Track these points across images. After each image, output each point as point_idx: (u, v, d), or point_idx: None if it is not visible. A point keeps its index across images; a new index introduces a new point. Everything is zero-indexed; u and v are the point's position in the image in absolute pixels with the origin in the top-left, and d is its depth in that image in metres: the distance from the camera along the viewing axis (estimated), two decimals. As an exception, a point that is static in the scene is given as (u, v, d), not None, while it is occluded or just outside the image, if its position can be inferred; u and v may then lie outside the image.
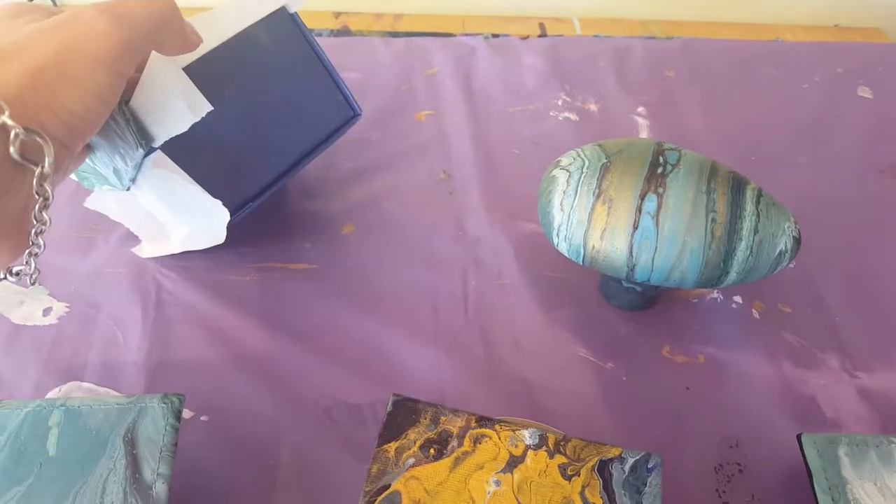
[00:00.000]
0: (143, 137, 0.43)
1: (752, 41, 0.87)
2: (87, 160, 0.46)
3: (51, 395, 0.50)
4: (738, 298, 0.58)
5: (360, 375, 0.52)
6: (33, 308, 0.55)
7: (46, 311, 0.55)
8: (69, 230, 0.61)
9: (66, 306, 0.55)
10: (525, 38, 0.84)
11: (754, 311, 0.58)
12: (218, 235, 0.51)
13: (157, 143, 0.44)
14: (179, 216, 0.52)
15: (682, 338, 0.56)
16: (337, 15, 0.91)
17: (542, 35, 0.87)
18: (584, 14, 0.92)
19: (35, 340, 0.53)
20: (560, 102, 0.74)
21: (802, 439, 0.46)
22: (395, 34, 0.86)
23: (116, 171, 0.47)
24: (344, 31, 0.88)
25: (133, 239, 0.60)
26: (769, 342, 0.56)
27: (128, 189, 0.49)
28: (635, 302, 0.57)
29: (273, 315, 0.55)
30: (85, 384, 0.51)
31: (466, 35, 0.85)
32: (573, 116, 0.72)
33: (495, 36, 0.85)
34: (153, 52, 0.41)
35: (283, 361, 0.53)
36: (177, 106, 0.42)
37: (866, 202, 0.67)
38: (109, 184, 0.49)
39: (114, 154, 0.45)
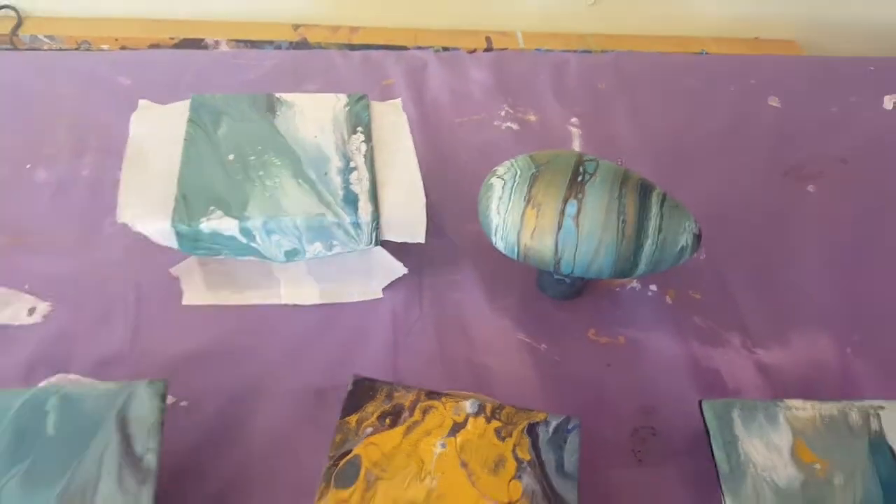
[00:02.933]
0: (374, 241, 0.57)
1: (676, 54, 0.96)
2: (238, 237, 0.55)
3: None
4: (653, 287, 0.67)
5: (324, 362, 0.58)
6: (18, 308, 0.60)
7: (31, 311, 0.60)
8: (52, 233, 0.65)
9: (50, 305, 0.60)
10: (472, 51, 0.91)
11: (668, 297, 0.66)
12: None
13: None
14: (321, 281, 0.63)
15: (606, 322, 0.64)
16: (296, 27, 0.96)
17: (489, 49, 0.94)
18: (527, 28, 1.00)
19: (21, 338, 0.58)
20: (503, 113, 0.81)
21: (703, 405, 0.54)
22: (352, 47, 0.93)
23: (290, 252, 0.57)
24: (303, 44, 0.94)
25: (112, 248, 0.65)
26: (680, 324, 0.64)
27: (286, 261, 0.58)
28: (566, 292, 0.64)
29: (244, 308, 0.61)
30: (71, 376, 0.56)
31: (419, 48, 0.91)
32: (514, 126, 0.80)
33: (445, 49, 0.92)
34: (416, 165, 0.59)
35: (256, 350, 0.59)
36: (417, 224, 0.58)
37: (770, 201, 0.77)
38: (256, 256, 0.57)
39: (312, 242, 0.56)
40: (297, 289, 0.63)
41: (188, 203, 0.55)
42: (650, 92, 0.87)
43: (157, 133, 0.60)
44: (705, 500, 0.54)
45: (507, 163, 0.58)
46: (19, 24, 0.92)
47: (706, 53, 1.01)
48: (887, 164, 0.82)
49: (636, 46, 1.01)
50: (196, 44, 0.92)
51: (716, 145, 0.82)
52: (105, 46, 0.92)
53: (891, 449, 0.53)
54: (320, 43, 0.94)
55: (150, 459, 0.43)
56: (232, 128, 0.61)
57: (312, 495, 0.46)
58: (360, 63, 0.86)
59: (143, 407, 0.46)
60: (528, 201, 0.55)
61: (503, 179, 0.57)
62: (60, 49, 0.91)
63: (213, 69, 0.83)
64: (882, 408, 0.55)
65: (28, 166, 0.71)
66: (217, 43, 0.92)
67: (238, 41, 0.92)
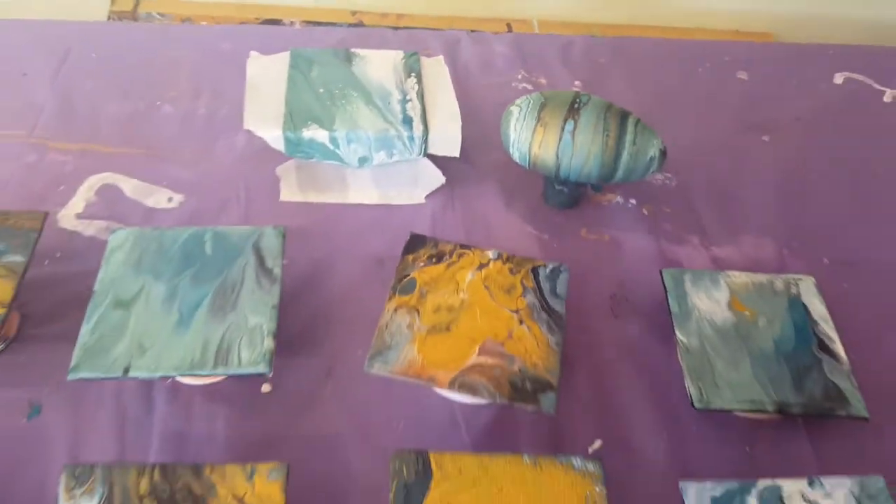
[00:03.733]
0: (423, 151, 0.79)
1: (665, 39, 1.17)
2: (327, 144, 0.76)
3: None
4: (633, 201, 0.87)
5: (381, 243, 0.79)
6: (160, 197, 0.82)
7: (170, 199, 0.82)
8: (178, 149, 0.87)
9: (183, 196, 0.82)
10: (496, 33, 1.13)
11: (644, 210, 0.87)
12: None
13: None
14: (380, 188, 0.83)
15: (595, 224, 0.84)
16: (353, 13, 1.19)
17: (510, 31, 1.16)
18: (542, 17, 1.22)
19: (165, 217, 0.80)
20: (520, 77, 1.02)
21: (663, 272, 0.74)
22: (398, 28, 1.15)
23: (362, 159, 0.77)
24: (358, 25, 1.16)
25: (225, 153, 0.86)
26: (653, 229, 0.84)
27: (359, 167, 0.80)
28: (564, 201, 0.85)
29: (323, 205, 0.83)
30: (202, 242, 0.77)
31: (453, 30, 1.13)
32: (529, 87, 1.01)
33: (473, 31, 1.13)
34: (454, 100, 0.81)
35: (332, 233, 0.80)
36: (454, 141, 0.78)
37: (732, 147, 0.97)
38: (338, 161, 0.78)
39: (378, 150, 0.76)
40: (361, 192, 0.84)
41: (293, 118, 0.77)
42: (641, 66, 1.08)
43: (266, 73, 0.83)
44: (662, 343, 0.73)
45: (523, 97, 0.79)
46: (137, 3, 1.16)
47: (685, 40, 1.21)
48: (831, 122, 1.02)
49: (635, 34, 1.21)
50: (276, 23, 1.15)
51: (692, 105, 1.02)
52: (204, 23, 1.15)
53: (804, 305, 0.72)
54: (373, 25, 1.16)
55: (277, 271, 0.65)
56: (321, 71, 0.83)
57: (372, 321, 0.65)
58: (406, 39, 1.08)
59: (271, 240, 0.67)
60: (537, 121, 0.76)
61: (520, 107, 0.78)
62: (170, 24, 1.15)
63: (293, 40, 1.05)
64: (801, 279, 0.75)
65: (158, 103, 0.93)
66: (292, 23, 1.15)
67: (308, 22, 1.15)
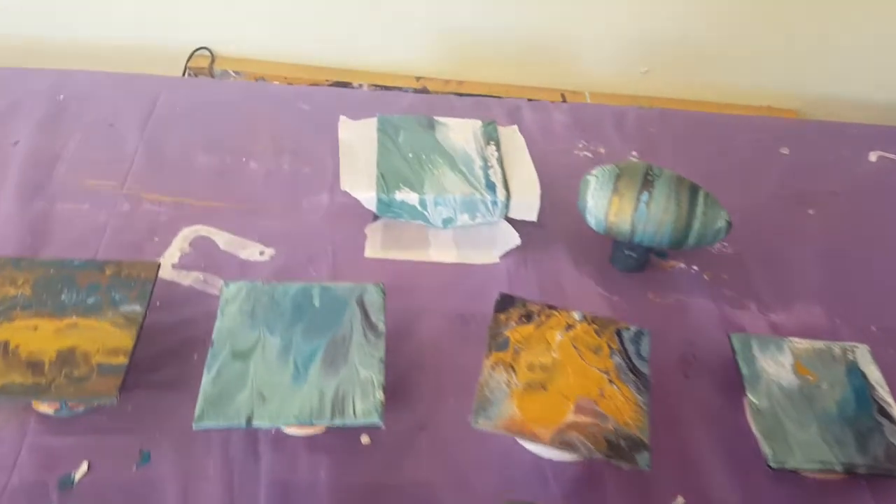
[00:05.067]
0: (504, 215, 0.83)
1: (709, 112, 1.25)
2: (416, 206, 0.82)
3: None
4: (695, 268, 0.92)
5: (462, 299, 0.83)
6: (252, 250, 0.86)
7: (262, 253, 0.86)
8: (266, 204, 0.92)
9: (274, 250, 0.87)
10: (553, 102, 1.20)
11: (705, 276, 0.92)
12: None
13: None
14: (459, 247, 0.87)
15: (660, 288, 0.89)
16: (418, 78, 1.26)
17: (564, 101, 1.23)
18: (593, 89, 1.29)
19: (258, 269, 0.84)
20: (580, 145, 1.09)
21: (731, 336, 0.78)
22: (460, 94, 1.22)
23: (446, 220, 0.83)
24: (423, 90, 1.23)
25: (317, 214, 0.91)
26: (714, 294, 0.89)
27: (443, 227, 0.85)
28: (632, 265, 0.90)
29: (404, 262, 0.87)
30: (293, 294, 0.81)
31: (513, 98, 1.20)
32: (589, 155, 1.08)
33: (531, 100, 1.21)
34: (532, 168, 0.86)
35: (413, 290, 0.84)
36: (533, 206, 0.83)
37: (780, 217, 1.02)
38: (423, 221, 0.84)
39: (462, 213, 0.81)
40: (441, 251, 0.88)
41: (386, 181, 0.82)
42: (688, 137, 1.15)
43: (357, 137, 0.89)
44: (728, 402, 0.77)
45: (598, 167, 0.85)
46: (213, 60, 1.23)
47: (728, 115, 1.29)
48: (869, 197, 1.08)
49: (675, 107, 1.29)
50: (345, 85, 1.22)
51: (738, 175, 1.08)
52: (276, 83, 1.22)
53: (862, 371, 0.77)
54: (436, 91, 1.23)
55: (381, 326, 0.69)
56: (407, 137, 0.89)
57: (463, 373, 0.70)
58: (471, 105, 1.15)
59: (373, 296, 0.71)
60: (613, 191, 0.82)
61: (596, 177, 0.84)
62: (245, 80, 1.22)
63: (365, 103, 1.12)
64: (857, 347, 0.80)
65: (243, 159, 0.99)
66: (360, 86, 1.22)
67: (376, 86, 1.22)
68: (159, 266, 0.73)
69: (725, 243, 0.96)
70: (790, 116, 1.35)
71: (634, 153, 1.09)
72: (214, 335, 0.67)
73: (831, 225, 1.03)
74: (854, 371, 0.77)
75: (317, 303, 0.70)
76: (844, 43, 1.33)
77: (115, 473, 0.64)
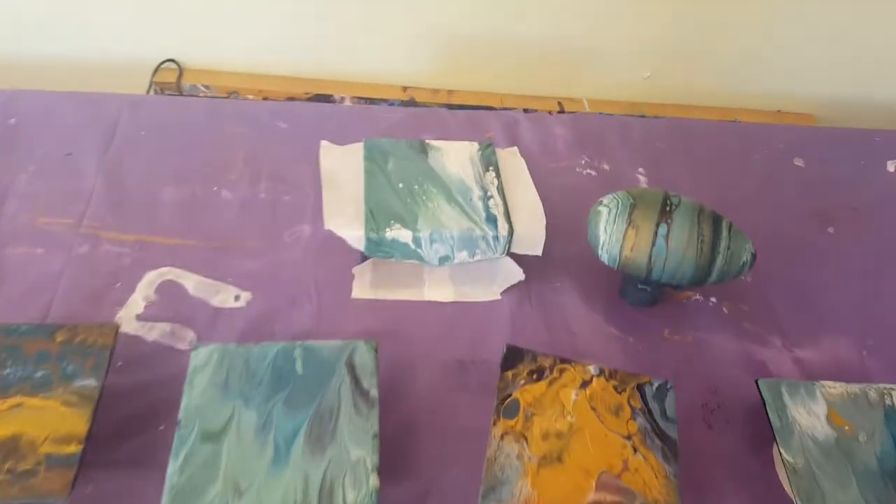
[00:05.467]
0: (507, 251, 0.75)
1: (718, 122, 1.17)
2: (410, 244, 0.73)
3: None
4: (713, 300, 0.85)
5: (461, 343, 0.75)
6: (226, 295, 0.77)
7: (237, 298, 0.77)
8: (242, 240, 0.83)
9: (251, 294, 0.78)
10: (551, 113, 1.12)
11: (724, 308, 0.84)
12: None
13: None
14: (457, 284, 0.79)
15: (677, 324, 0.81)
16: (405, 89, 1.17)
17: (562, 111, 1.14)
18: (591, 96, 1.21)
19: (233, 317, 0.75)
20: (583, 162, 1.01)
21: (759, 382, 0.71)
22: (450, 106, 1.13)
23: (443, 258, 0.74)
24: (410, 102, 1.14)
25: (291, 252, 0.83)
26: (734, 328, 0.82)
27: (438, 265, 0.76)
28: (645, 300, 0.82)
29: (397, 302, 0.79)
30: (274, 346, 0.73)
31: (506, 109, 1.12)
32: (593, 173, 0.99)
33: (528, 111, 1.12)
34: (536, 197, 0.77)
35: (408, 334, 0.76)
36: (538, 240, 0.75)
37: (799, 238, 0.95)
38: (417, 259, 0.75)
39: (461, 250, 0.73)
40: (437, 289, 0.80)
41: (375, 217, 0.74)
42: (698, 150, 1.07)
43: (341, 166, 0.79)
44: (757, 455, 0.70)
45: (609, 195, 0.77)
46: (181, 74, 1.13)
47: (738, 122, 1.21)
48: (888, 212, 1.01)
49: (680, 114, 1.21)
50: (326, 98, 1.12)
51: (754, 193, 1.01)
52: (250, 96, 1.12)
53: (901, 419, 0.70)
54: (425, 101, 1.14)
55: (374, 392, 0.60)
56: (397, 164, 0.80)
57: (466, 432, 0.62)
58: (464, 120, 1.06)
59: (364, 357, 0.63)
60: (628, 224, 0.73)
61: (608, 207, 0.75)
62: (214, 97, 1.12)
63: (350, 119, 1.03)
64: (894, 389, 0.72)
65: (215, 188, 0.90)
66: (342, 98, 1.13)
67: (359, 98, 1.13)
68: (118, 329, 0.64)
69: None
70: (802, 121, 1.27)
71: (641, 170, 1.01)
72: (181, 413, 0.58)
73: (853, 244, 0.96)
74: (892, 418, 0.70)
75: (300, 368, 0.62)
76: (857, 42, 1.26)
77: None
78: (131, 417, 0.65)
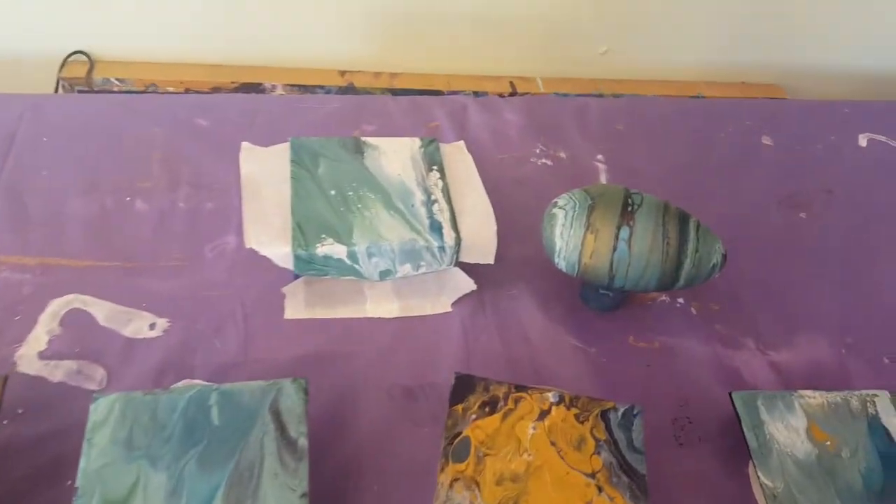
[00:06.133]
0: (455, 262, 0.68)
1: (680, 98, 1.10)
2: (345, 260, 0.65)
3: (174, 389, 0.63)
4: (680, 300, 0.79)
5: (408, 364, 0.68)
6: (140, 324, 0.69)
7: (152, 326, 0.69)
8: (159, 258, 0.74)
9: (168, 321, 0.69)
10: (503, 95, 1.03)
11: (692, 309, 0.78)
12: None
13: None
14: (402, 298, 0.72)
15: (642, 329, 0.75)
16: (342, 73, 1.07)
17: (513, 93, 1.06)
18: (546, 75, 1.13)
19: (147, 349, 0.67)
20: (538, 150, 0.93)
21: (733, 396, 0.65)
22: (393, 91, 1.04)
23: (384, 272, 0.67)
24: (349, 88, 1.04)
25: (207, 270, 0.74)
26: (704, 331, 0.76)
27: (380, 280, 0.69)
28: (607, 304, 0.76)
29: (335, 321, 0.71)
30: (196, 381, 0.65)
31: (454, 92, 1.03)
32: (549, 162, 0.92)
33: (476, 93, 1.03)
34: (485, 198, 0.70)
35: (349, 356, 0.68)
36: (489, 248, 0.68)
37: (770, 226, 0.90)
38: (356, 276, 0.68)
39: (403, 263, 0.66)
40: (380, 304, 0.73)
41: (304, 232, 0.65)
42: (660, 132, 1.00)
43: (264, 171, 0.70)
44: (734, 474, 0.65)
45: (565, 195, 0.70)
46: (92, 67, 1.01)
47: (702, 97, 1.15)
48: (865, 193, 0.96)
49: (640, 90, 1.14)
50: (255, 87, 1.02)
51: (721, 177, 0.95)
52: (170, 89, 1.02)
53: (885, 428, 0.65)
54: (365, 87, 1.05)
55: (303, 442, 0.53)
56: (329, 167, 0.71)
57: (414, 472, 0.55)
58: (408, 107, 0.97)
59: (291, 399, 0.55)
60: (587, 228, 0.66)
61: (564, 210, 0.68)
62: (130, 91, 1.01)
63: (280, 111, 0.93)
64: (876, 396, 0.68)
65: (128, 198, 0.80)
66: (273, 87, 1.03)
67: (292, 86, 1.03)
68: (6, 379, 0.55)
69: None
70: (768, 93, 1.21)
71: (600, 157, 0.94)
72: (79, 480, 0.50)
73: (827, 230, 0.91)
74: (876, 430, 0.65)
75: (215, 418, 0.54)
76: (822, 8, 1.19)
77: None
78: (35, 473, 0.57)
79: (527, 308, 0.76)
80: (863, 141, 1.05)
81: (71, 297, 0.70)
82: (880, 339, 0.79)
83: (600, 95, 1.07)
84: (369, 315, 0.72)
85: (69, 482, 0.57)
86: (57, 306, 0.69)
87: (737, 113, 1.07)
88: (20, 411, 0.61)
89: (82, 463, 0.51)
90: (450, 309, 0.74)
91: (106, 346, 0.66)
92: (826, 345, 0.77)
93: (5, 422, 0.60)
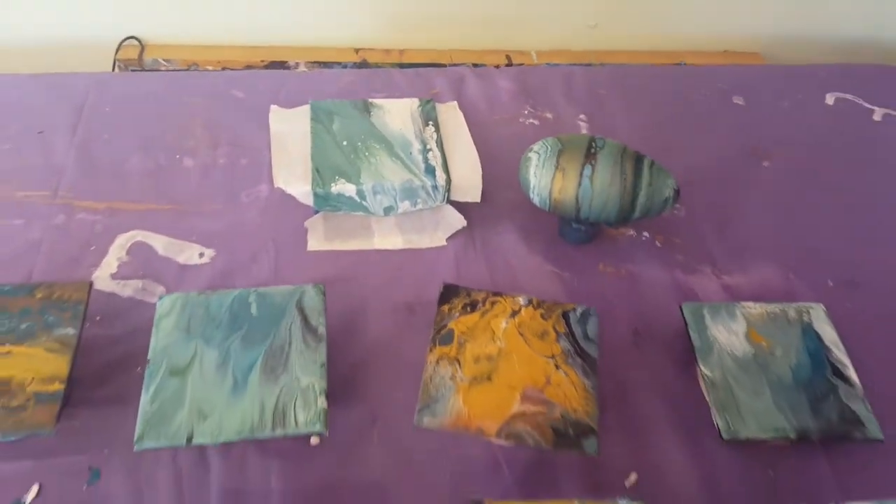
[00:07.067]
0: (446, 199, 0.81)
1: (661, 66, 1.21)
2: (354, 197, 0.79)
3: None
4: (646, 234, 0.91)
5: (410, 287, 0.82)
6: (191, 253, 0.84)
7: (201, 255, 0.84)
8: (204, 203, 0.89)
9: (213, 251, 0.84)
10: (498, 66, 1.16)
11: (657, 242, 0.90)
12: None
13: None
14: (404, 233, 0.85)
15: (611, 259, 0.88)
16: (357, 51, 1.21)
17: (510, 64, 1.19)
18: (539, 48, 1.25)
19: (198, 273, 0.82)
20: (526, 112, 1.06)
21: (682, 306, 0.78)
22: (402, 65, 1.17)
23: (387, 209, 0.80)
24: (363, 64, 1.18)
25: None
26: (666, 260, 0.88)
27: (384, 215, 0.83)
28: (581, 238, 0.88)
29: (349, 252, 0.85)
30: (237, 297, 0.79)
31: (455, 65, 1.16)
32: (536, 122, 1.05)
33: (475, 65, 1.16)
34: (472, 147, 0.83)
35: (360, 280, 0.82)
36: (475, 187, 0.80)
37: (733, 173, 1.01)
38: (364, 211, 0.81)
39: (403, 200, 0.79)
40: (386, 238, 0.87)
41: (321, 174, 0.80)
42: (640, 95, 1.12)
43: (289, 128, 0.85)
44: (682, 374, 0.77)
45: (539, 142, 0.83)
46: (143, 50, 1.17)
47: (685, 65, 1.26)
48: (827, 144, 1.07)
49: (627, 61, 1.26)
50: (281, 65, 1.17)
51: (692, 132, 1.06)
52: (209, 67, 1.17)
53: (817, 333, 0.76)
54: (377, 62, 1.19)
55: (322, 329, 0.67)
56: (341, 123, 0.86)
57: (412, 366, 0.69)
58: (413, 77, 1.11)
59: (312, 299, 0.70)
60: (556, 167, 0.79)
61: (538, 153, 0.81)
62: (175, 70, 1.17)
63: (303, 85, 1.08)
64: (812, 307, 0.79)
65: (177, 156, 0.95)
66: (297, 64, 1.17)
67: (313, 63, 1.18)
68: (91, 286, 0.71)
69: (677, 205, 0.95)
70: (749, 60, 1.31)
71: (583, 116, 1.07)
72: (150, 354, 0.65)
73: (787, 178, 1.02)
74: (809, 333, 0.76)
75: (254, 311, 0.69)
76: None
77: (66, 494, 0.64)
78: (110, 363, 0.73)
79: (511, 243, 0.89)
80: (830, 99, 1.15)
81: (134, 232, 0.86)
82: (825, 265, 0.89)
83: (588, 65, 1.19)
84: (377, 247, 0.86)
85: (138, 368, 0.72)
86: (123, 240, 0.85)
87: (712, 77, 1.18)
88: (98, 318, 0.76)
89: (152, 342, 0.66)
90: (445, 243, 0.87)
91: (164, 270, 0.82)
92: (775, 270, 0.88)
93: (88, 325, 0.75)
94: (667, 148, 1.02)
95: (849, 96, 1.16)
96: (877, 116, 1.13)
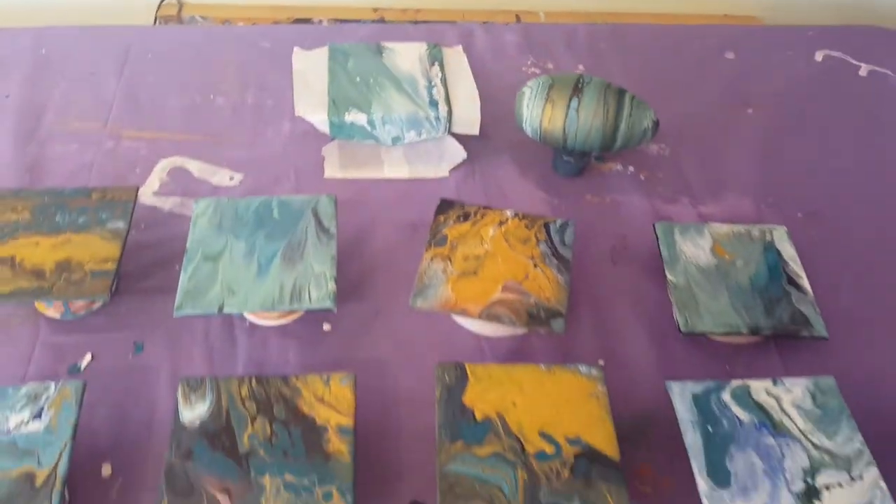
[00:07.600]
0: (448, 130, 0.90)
1: (661, 24, 1.29)
2: (366, 126, 0.89)
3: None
4: (631, 168, 1.00)
5: (414, 209, 0.92)
6: (222, 176, 0.95)
7: (231, 178, 0.95)
8: (234, 135, 1.01)
9: (242, 175, 0.96)
10: (506, 24, 1.25)
11: (641, 176, 0.99)
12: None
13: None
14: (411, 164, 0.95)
15: (598, 190, 0.97)
16: (375, 9, 1.32)
17: (518, 22, 1.28)
18: (547, 8, 1.34)
19: (228, 193, 0.93)
20: (529, 62, 1.15)
21: (655, 224, 0.86)
22: (417, 22, 1.27)
23: (395, 138, 0.89)
24: (381, 21, 1.29)
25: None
26: (649, 192, 0.97)
27: (392, 145, 0.93)
28: (571, 170, 0.98)
29: (361, 180, 0.96)
30: (262, 212, 0.91)
31: (466, 22, 1.26)
32: (537, 71, 1.14)
33: (485, 23, 1.26)
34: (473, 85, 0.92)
35: (370, 203, 0.93)
36: (474, 121, 0.89)
37: (719, 118, 1.09)
38: (374, 140, 0.91)
39: (409, 130, 0.88)
40: (394, 168, 0.97)
41: (336, 104, 0.90)
42: (637, 49, 1.20)
43: (310, 65, 0.96)
44: (654, 286, 0.85)
45: (533, 80, 0.92)
46: (181, 8, 1.30)
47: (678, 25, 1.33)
48: (811, 95, 1.14)
49: (632, 21, 1.33)
50: (306, 21, 1.28)
51: (683, 82, 1.14)
52: (241, 23, 1.29)
53: (777, 250, 0.84)
54: (393, 20, 1.29)
55: (333, 230, 0.78)
56: (356, 62, 0.96)
57: (414, 275, 0.79)
58: (425, 32, 1.21)
59: (325, 206, 0.80)
60: (546, 100, 0.89)
61: (531, 88, 0.91)
62: (212, 25, 1.28)
63: (324, 37, 1.18)
64: (775, 229, 0.87)
65: (211, 96, 1.07)
66: (320, 21, 1.28)
67: (335, 20, 1.28)
68: (138, 190, 0.83)
69: (663, 145, 1.04)
70: (746, 22, 1.38)
71: (581, 67, 1.15)
72: (188, 243, 0.76)
73: (768, 123, 1.09)
74: (770, 250, 0.84)
75: (276, 214, 0.80)
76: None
77: (115, 361, 0.75)
78: (153, 262, 0.84)
79: (508, 175, 0.99)
80: (819, 56, 1.22)
81: (174, 158, 0.97)
82: (796, 198, 0.97)
83: (593, 24, 1.28)
84: (387, 176, 0.96)
85: (177, 266, 0.84)
86: (164, 164, 0.97)
87: (707, 34, 1.25)
88: (143, 226, 0.88)
89: (190, 236, 0.77)
90: (447, 174, 0.97)
91: (199, 189, 0.94)
92: (749, 203, 0.97)
93: (133, 231, 0.87)
94: (658, 97, 1.09)
95: (837, 54, 1.23)
96: (862, 72, 1.20)
